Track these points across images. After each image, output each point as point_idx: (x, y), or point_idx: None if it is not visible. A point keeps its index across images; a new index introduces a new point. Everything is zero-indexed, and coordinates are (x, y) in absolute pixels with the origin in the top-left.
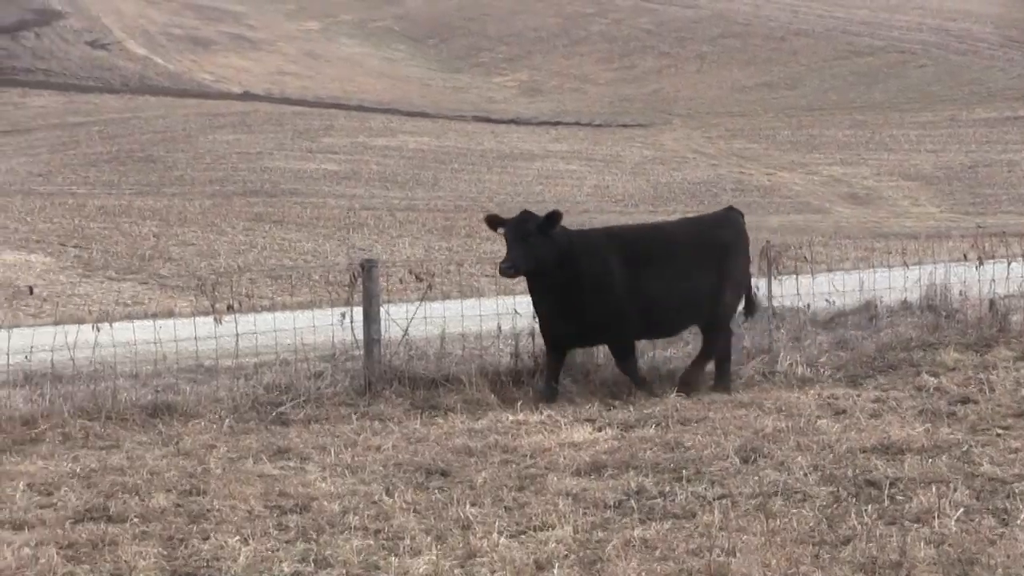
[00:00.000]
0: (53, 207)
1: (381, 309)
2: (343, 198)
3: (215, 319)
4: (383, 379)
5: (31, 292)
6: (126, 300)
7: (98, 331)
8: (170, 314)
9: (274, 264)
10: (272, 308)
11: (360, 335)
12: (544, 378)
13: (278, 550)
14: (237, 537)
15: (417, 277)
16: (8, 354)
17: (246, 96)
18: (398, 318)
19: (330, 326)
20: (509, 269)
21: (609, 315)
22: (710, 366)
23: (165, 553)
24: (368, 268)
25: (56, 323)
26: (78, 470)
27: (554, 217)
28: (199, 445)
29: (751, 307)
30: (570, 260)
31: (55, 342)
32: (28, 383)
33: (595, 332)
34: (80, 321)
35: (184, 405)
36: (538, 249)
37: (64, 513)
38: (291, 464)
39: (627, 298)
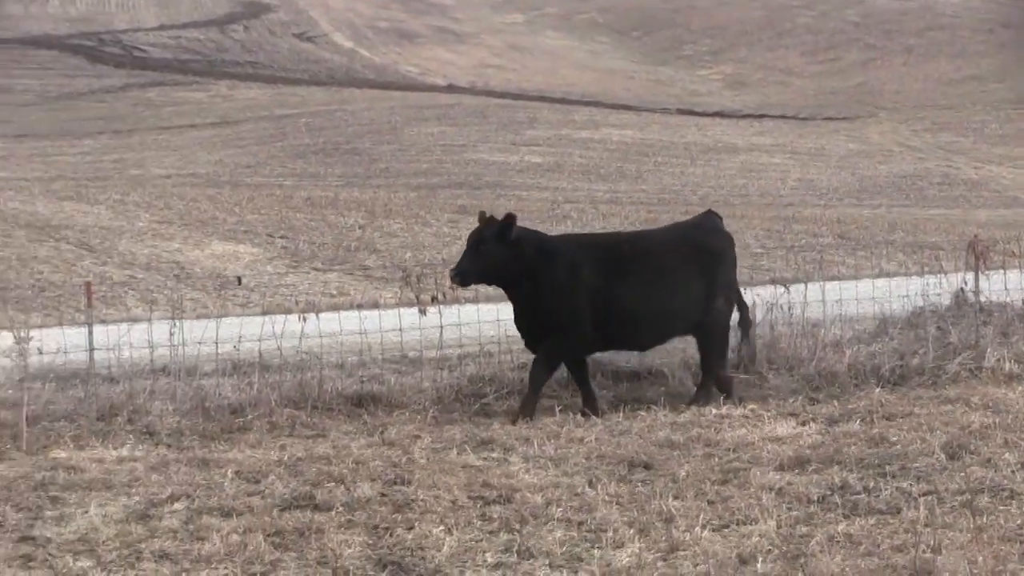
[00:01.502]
0: (261, 198)
1: None
2: (546, 190)
3: (420, 310)
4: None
5: (239, 282)
6: (332, 291)
7: (304, 321)
8: (375, 305)
9: None
10: (475, 300)
11: None
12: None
13: (481, 540)
14: (441, 527)
15: None
16: (217, 343)
17: (451, 89)
18: None
19: None
20: (455, 278)
21: (561, 322)
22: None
23: (370, 542)
24: None
25: (263, 313)
26: (285, 458)
27: (506, 224)
28: (403, 435)
29: (745, 322)
30: (536, 269)
31: (262, 332)
32: (236, 372)
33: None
34: (287, 311)
35: (389, 395)
36: (491, 258)
37: (271, 501)
38: (494, 455)
39: (590, 310)
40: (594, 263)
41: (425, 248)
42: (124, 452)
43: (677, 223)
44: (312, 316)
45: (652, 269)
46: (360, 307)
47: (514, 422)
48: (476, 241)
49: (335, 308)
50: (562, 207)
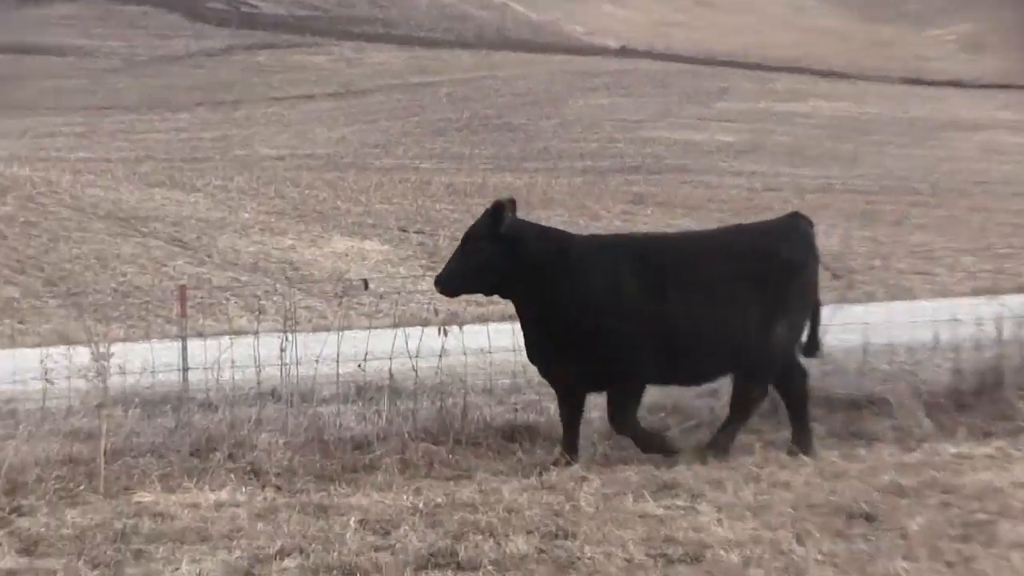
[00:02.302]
0: (392, 184)
1: None
2: (741, 176)
3: None
4: None
5: (366, 287)
6: (479, 299)
7: (445, 336)
8: None
9: None
10: None
11: None
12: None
13: None
14: None
15: (833, 274)
16: (338, 362)
17: (624, 52)
18: None
19: None
20: (437, 287)
21: (605, 350)
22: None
23: None
24: None
25: (395, 325)
26: (420, 505)
27: (494, 214)
28: (567, 477)
29: (813, 345)
30: (548, 275)
31: (394, 348)
32: (361, 398)
33: (594, 369)
34: (424, 323)
35: (549, 427)
36: (480, 259)
37: (404, 557)
38: (679, 503)
39: (632, 331)
40: (630, 270)
41: None
42: (223, 495)
43: (744, 224)
44: (455, 329)
45: (701, 282)
46: (514, 318)
47: (704, 461)
48: (465, 239)
49: (483, 319)
50: (761, 196)
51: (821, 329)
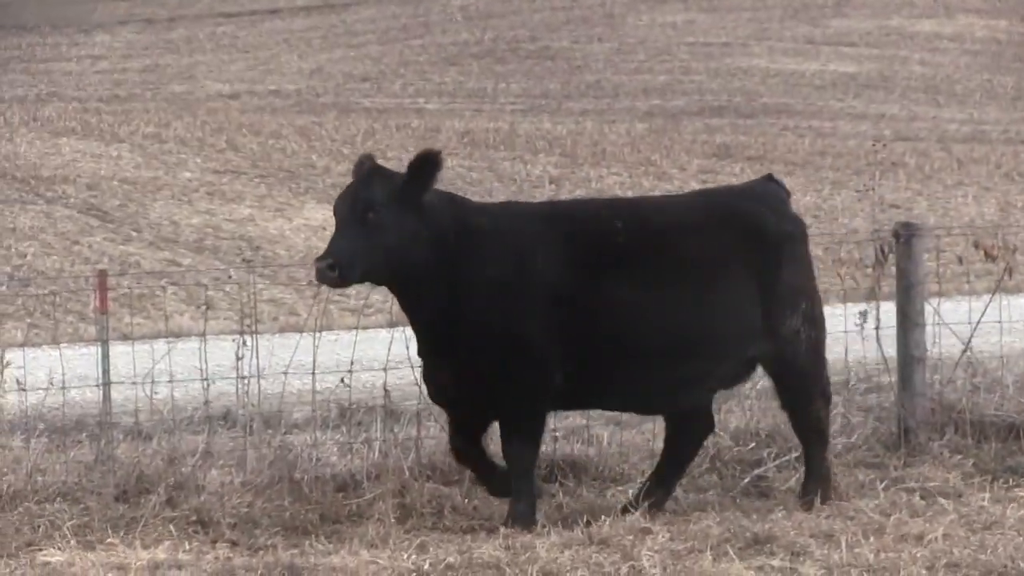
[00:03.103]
0: (385, 130)
1: (927, 307)
2: (863, 120)
3: None
4: (928, 424)
5: None
6: None
7: None
8: None
9: None
10: None
11: (890, 350)
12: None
13: None
14: None
15: (987, 254)
16: (314, 374)
17: None
18: (955, 322)
19: (842, 333)
20: (327, 271)
21: (509, 359)
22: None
23: None
24: (905, 239)
25: (391, 324)
26: (426, 566)
27: (425, 167)
28: (624, 529)
29: None
30: (456, 254)
31: (389, 355)
32: (346, 423)
33: (487, 388)
34: None
35: (600, 462)
36: (390, 235)
37: None
38: (775, 563)
39: (555, 331)
40: (558, 249)
41: None
42: (160, 554)
43: (709, 189)
44: None
45: (667, 263)
46: None
47: (809, 507)
48: (362, 205)
49: None
50: (890, 147)
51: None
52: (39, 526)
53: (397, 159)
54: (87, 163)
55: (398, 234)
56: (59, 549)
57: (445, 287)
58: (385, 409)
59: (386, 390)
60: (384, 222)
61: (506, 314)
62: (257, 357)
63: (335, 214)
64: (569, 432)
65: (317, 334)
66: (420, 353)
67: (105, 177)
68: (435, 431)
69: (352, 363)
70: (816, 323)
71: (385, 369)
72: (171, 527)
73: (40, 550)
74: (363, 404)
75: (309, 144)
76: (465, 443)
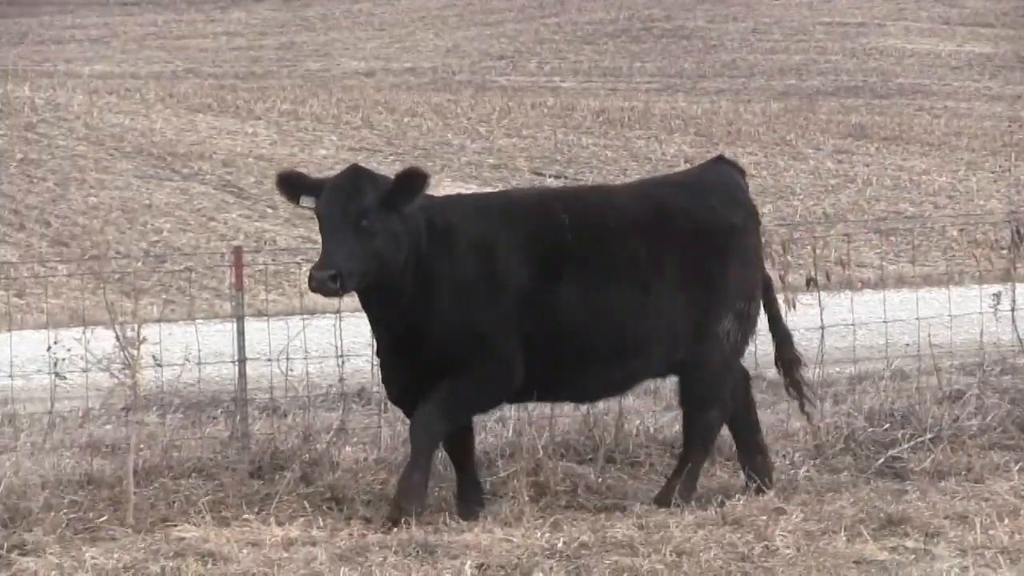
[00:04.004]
0: (520, 108)
1: None
2: (999, 100)
3: (786, 300)
4: None
5: None
6: None
7: None
8: None
9: (884, 211)
10: (880, 284)
11: None
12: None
13: None
14: None
15: None
16: None
17: None
18: None
19: (978, 314)
20: (330, 283)
21: (474, 355)
22: None
23: None
24: None
25: None
26: (559, 545)
27: (414, 181)
28: (757, 509)
29: (785, 347)
30: (427, 253)
31: None
32: None
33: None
34: None
35: (732, 442)
36: (382, 241)
37: None
38: (908, 544)
39: (516, 326)
40: (515, 244)
41: (795, 195)
42: (295, 531)
43: (654, 178)
44: None
45: (606, 257)
46: None
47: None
48: (356, 212)
49: None
50: None
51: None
52: (174, 502)
53: (532, 137)
54: (223, 140)
55: (387, 240)
56: (194, 525)
57: (417, 287)
58: None
59: None
60: (376, 229)
61: (472, 311)
62: None
63: (322, 219)
64: None
65: None
66: (382, 354)
67: (241, 154)
68: (568, 409)
69: None
70: (745, 323)
71: None
72: (305, 503)
73: (175, 526)
74: None
75: (444, 122)
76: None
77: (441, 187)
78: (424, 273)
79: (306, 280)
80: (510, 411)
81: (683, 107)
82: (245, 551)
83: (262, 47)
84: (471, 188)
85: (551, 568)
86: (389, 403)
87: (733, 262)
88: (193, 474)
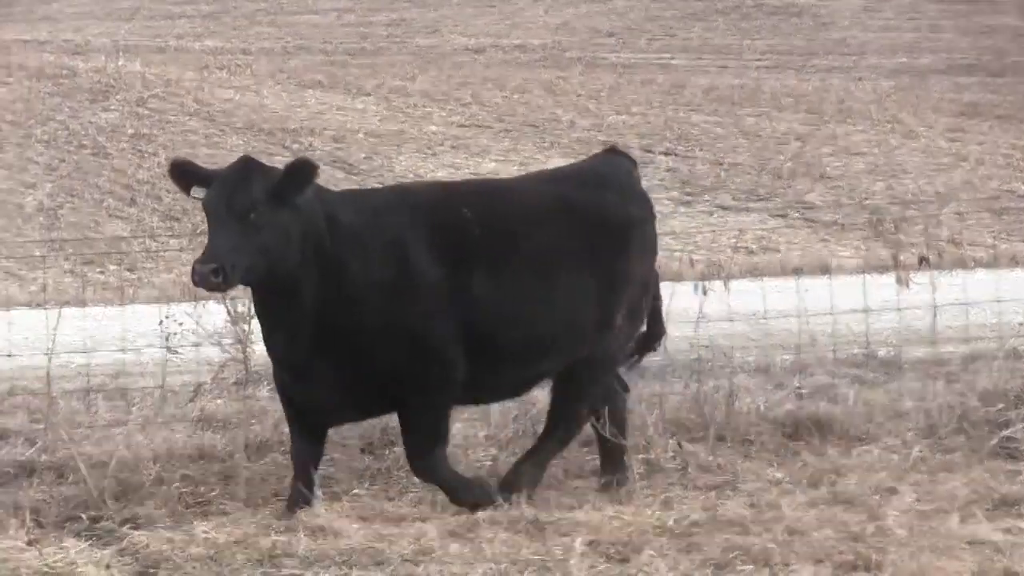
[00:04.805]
0: (630, 86)
1: None
2: None
3: (898, 279)
4: None
5: None
6: (749, 243)
7: (705, 295)
8: (824, 269)
9: (996, 190)
10: (993, 263)
11: None
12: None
13: None
14: None
15: None
16: None
17: None
18: None
19: None
20: (212, 277)
21: (407, 357)
22: None
23: None
24: None
25: None
26: (670, 523)
27: (302, 172)
28: (869, 488)
29: (654, 334)
30: (329, 251)
31: None
32: None
33: (378, 393)
34: (674, 278)
35: (845, 421)
36: (270, 235)
37: None
38: (1023, 524)
39: (443, 321)
40: (428, 239)
41: (907, 175)
42: (404, 506)
43: (549, 170)
44: (717, 286)
45: (515, 252)
46: (799, 271)
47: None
48: (243, 205)
49: (754, 273)
50: None
51: (665, 310)
52: (285, 476)
53: (642, 114)
54: (333, 115)
55: (276, 234)
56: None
57: (328, 288)
58: (629, 365)
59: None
60: (264, 222)
61: (374, 313)
62: None
63: (208, 212)
64: (815, 391)
65: None
66: (281, 360)
67: (350, 130)
68: (679, 387)
69: None
70: (635, 318)
71: None
72: (415, 479)
73: (286, 500)
74: None
75: (554, 99)
76: (309, 452)
77: (550, 163)
78: (334, 271)
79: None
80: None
81: (793, 85)
82: (355, 526)
83: (372, 23)
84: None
85: (662, 546)
86: None
87: (632, 256)
88: None
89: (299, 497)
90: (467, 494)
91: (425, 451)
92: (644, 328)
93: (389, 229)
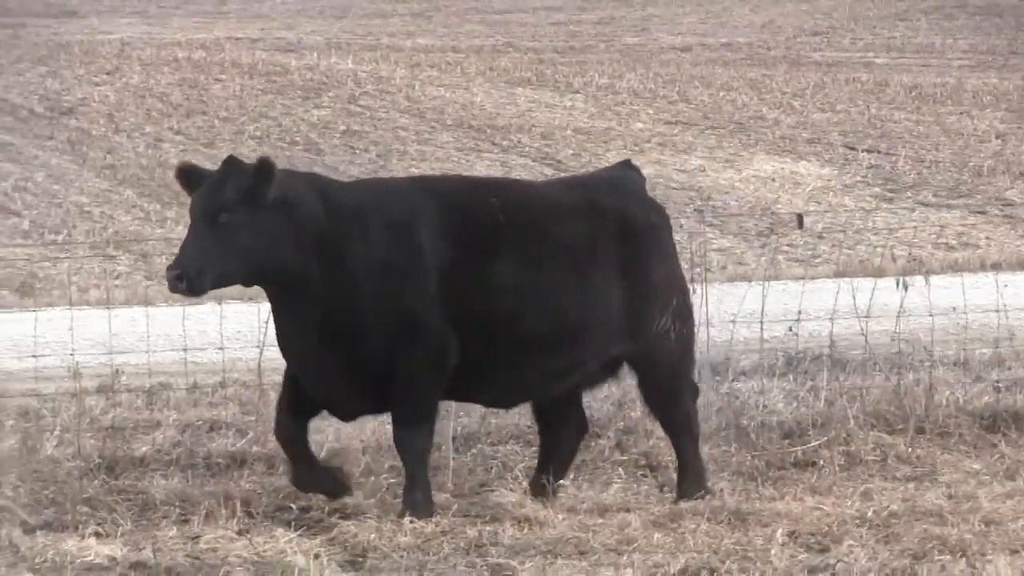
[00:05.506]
0: (836, 86)
1: None
2: None
3: None
4: None
5: (800, 224)
6: (950, 240)
7: (906, 289)
8: (1022, 264)
9: None
10: None
11: None
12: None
13: None
14: None
15: None
16: (762, 323)
17: None
18: None
19: None
20: (176, 282)
21: (402, 333)
22: None
23: None
24: None
25: (837, 275)
26: (869, 514)
27: (262, 170)
28: None
29: None
30: (331, 247)
31: (836, 305)
32: (792, 371)
33: (374, 384)
34: (877, 272)
35: None
36: (248, 238)
37: None
38: None
39: (441, 307)
40: (440, 227)
41: None
42: (609, 496)
43: (573, 177)
44: (918, 280)
45: (540, 248)
46: (997, 267)
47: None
48: (214, 207)
49: (956, 269)
50: None
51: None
52: (492, 467)
53: (845, 112)
54: (541, 113)
55: (255, 236)
56: (510, 490)
57: (332, 279)
58: (831, 358)
59: (832, 340)
60: (239, 224)
61: (376, 303)
62: (706, 305)
63: (189, 215)
64: (1012, 384)
65: (765, 283)
66: (293, 352)
67: (559, 127)
68: (879, 380)
69: (799, 313)
70: (685, 317)
71: (831, 319)
72: (620, 470)
73: (492, 491)
74: (810, 353)
75: (759, 97)
76: (296, 426)
77: (755, 161)
78: (338, 258)
79: None
80: (822, 381)
81: (995, 83)
82: (560, 516)
83: (580, 22)
84: (784, 162)
85: (861, 536)
86: None
87: (655, 259)
88: (510, 440)
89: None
90: (420, 497)
91: (414, 431)
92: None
93: (392, 218)
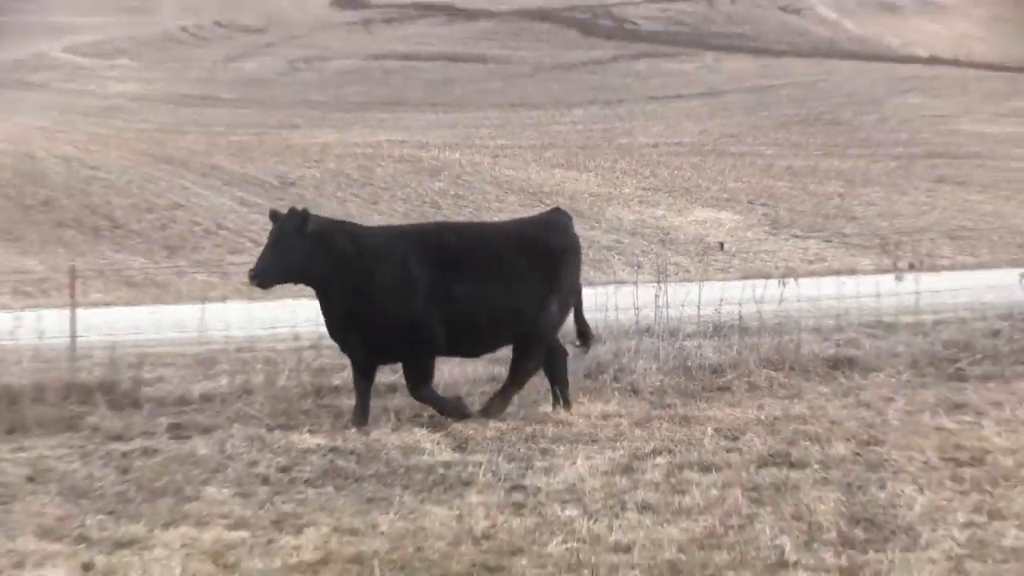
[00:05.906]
0: (743, 167)
1: None
2: None
3: (896, 277)
4: None
5: (721, 248)
6: (810, 257)
7: (783, 286)
8: (852, 271)
9: (955, 225)
10: (952, 267)
11: None
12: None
13: (952, 500)
14: (913, 486)
15: None
16: (699, 307)
17: (932, 60)
18: None
19: (1009, 286)
20: (253, 278)
21: (408, 328)
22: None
23: (843, 499)
24: None
25: (743, 278)
26: (762, 417)
27: (305, 217)
28: (878, 398)
29: (585, 334)
30: (358, 266)
31: (743, 296)
32: (717, 334)
33: (393, 346)
34: (766, 276)
35: (864, 359)
36: (293, 255)
37: (749, 457)
38: (967, 419)
39: (430, 308)
40: (423, 258)
41: (902, 216)
42: (610, 408)
43: (517, 219)
44: (791, 281)
45: (489, 263)
46: (838, 273)
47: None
48: (277, 236)
49: (813, 274)
50: None
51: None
52: (541, 392)
53: (748, 182)
54: (569, 184)
55: (296, 255)
56: (550, 405)
57: (341, 284)
58: (740, 327)
59: (740, 316)
60: (290, 247)
61: (386, 302)
62: (666, 296)
63: (268, 238)
64: (847, 341)
65: (700, 283)
66: (332, 329)
67: (579, 192)
68: (768, 339)
69: (721, 300)
70: (564, 308)
71: (740, 304)
72: (616, 393)
73: (540, 405)
74: (727, 324)
75: (698, 173)
76: (362, 380)
77: (694, 211)
78: (350, 274)
79: (617, 264)
80: (734, 340)
81: (837, 164)
82: (580, 419)
83: (592, 130)
84: (712, 212)
85: (757, 431)
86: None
87: (565, 271)
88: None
89: (360, 416)
90: (450, 411)
91: (418, 384)
92: (576, 326)
93: (395, 248)
